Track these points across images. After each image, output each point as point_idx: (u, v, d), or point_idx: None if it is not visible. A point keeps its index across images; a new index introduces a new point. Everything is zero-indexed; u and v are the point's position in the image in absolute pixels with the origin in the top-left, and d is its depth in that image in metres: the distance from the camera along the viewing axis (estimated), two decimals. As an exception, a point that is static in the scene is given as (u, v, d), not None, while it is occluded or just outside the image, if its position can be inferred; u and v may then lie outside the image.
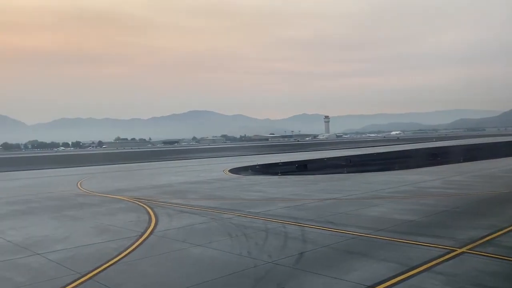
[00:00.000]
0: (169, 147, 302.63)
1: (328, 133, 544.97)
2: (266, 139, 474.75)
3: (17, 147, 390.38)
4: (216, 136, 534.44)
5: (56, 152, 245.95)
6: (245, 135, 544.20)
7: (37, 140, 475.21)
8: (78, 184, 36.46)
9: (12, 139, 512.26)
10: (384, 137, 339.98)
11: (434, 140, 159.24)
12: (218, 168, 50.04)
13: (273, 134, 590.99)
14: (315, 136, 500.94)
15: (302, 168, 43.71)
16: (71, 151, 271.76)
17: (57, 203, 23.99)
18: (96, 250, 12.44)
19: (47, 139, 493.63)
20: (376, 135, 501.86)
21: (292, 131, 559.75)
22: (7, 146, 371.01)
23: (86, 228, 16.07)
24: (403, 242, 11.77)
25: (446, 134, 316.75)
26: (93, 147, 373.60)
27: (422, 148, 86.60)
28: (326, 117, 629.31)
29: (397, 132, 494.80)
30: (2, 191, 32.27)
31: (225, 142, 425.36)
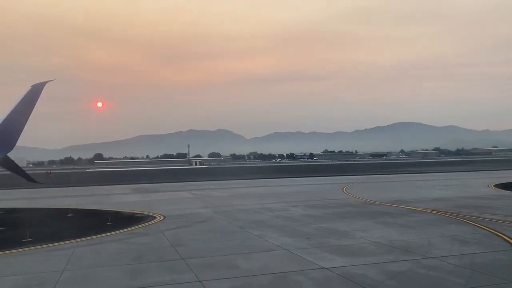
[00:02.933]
0: (379, 160, 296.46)
1: None
2: (489, 152, 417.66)
3: (242, 157, 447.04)
4: (427, 149, 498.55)
5: (277, 162, 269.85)
6: (462, 148, 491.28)
7: (256, 152, 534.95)
8: (344, 191, 38.65)
9: (235, 150, 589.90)
10: None
11: None
12: (473, 184, 46.05)
13: (496, 147, 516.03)
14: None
15: None
16: (288, 162, 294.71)
17: (355, 210, 25.61)
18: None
19: (262, 151, 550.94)
20: None
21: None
22: (234, 157, 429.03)
23: (434, 236, 16.36)
24: None
25: None
26: (305, 158, 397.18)
27: None
28: None
29: None
30: (288, 196, 36.43)
31: (439, 156, 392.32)
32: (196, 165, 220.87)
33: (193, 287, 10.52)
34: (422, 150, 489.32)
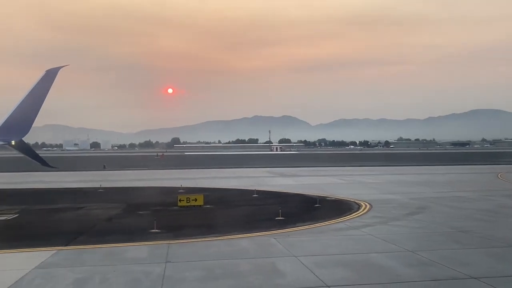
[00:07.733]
0: (461, 149, 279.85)
1: None
2: None
3: (313, 144, 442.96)
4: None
5: (358, 150, 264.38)
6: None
7: (324, 139, 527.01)
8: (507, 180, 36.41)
9: (300, 136, 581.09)
10: None
11: None
12: None
13: None
14: None
15: None
16: (365, 149, 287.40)
17: None
18: None
19: (328, 138, 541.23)
20: None
21: None
22: (306, 143, 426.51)
23: None
24: None
25: None
26: (380, 146, 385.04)
27: None
28: None
29: None
30: (450, 185, 35.00)
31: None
32: (277, 150, 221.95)
33: None
34: (505, 139, 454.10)
